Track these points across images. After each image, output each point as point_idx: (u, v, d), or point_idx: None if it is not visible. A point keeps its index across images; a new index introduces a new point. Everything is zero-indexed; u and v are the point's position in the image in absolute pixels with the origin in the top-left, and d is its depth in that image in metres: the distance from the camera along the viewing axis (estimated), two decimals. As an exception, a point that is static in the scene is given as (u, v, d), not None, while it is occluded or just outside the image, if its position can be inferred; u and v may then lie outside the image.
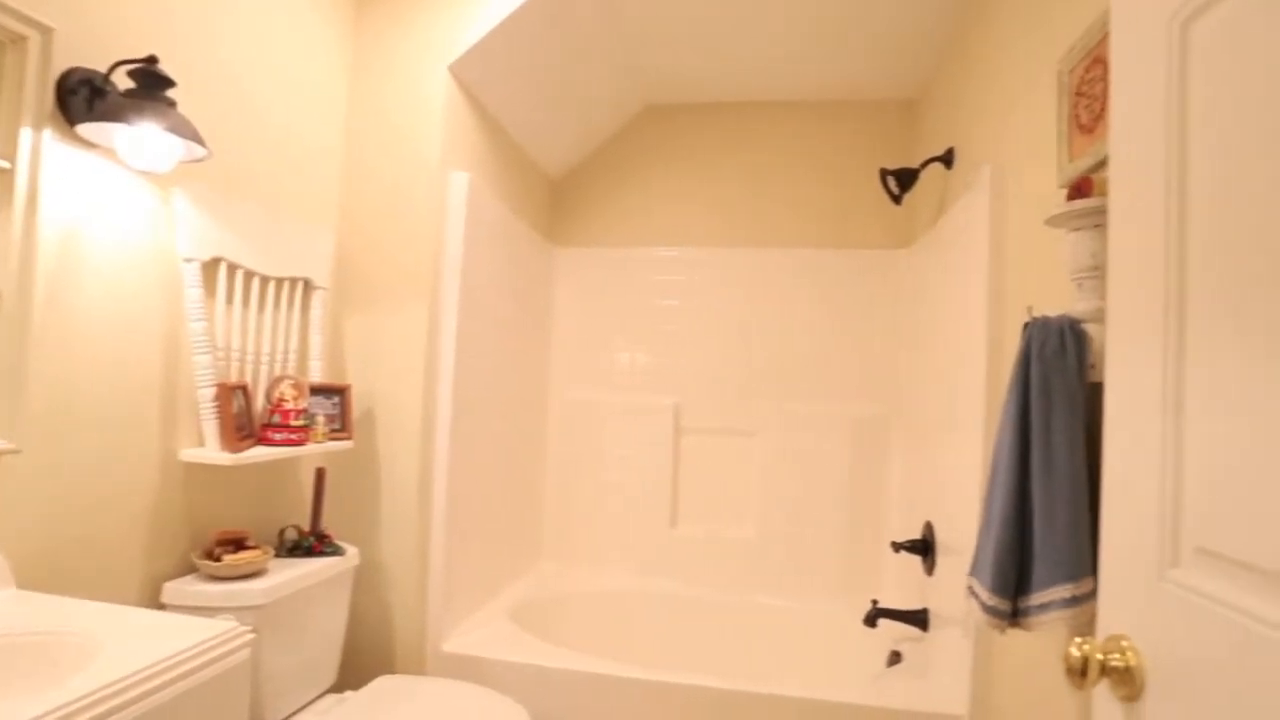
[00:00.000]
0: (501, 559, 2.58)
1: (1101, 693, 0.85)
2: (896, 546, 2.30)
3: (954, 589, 1.89)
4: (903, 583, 2.52)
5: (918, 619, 2.20)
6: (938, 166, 2.39)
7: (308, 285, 1.93)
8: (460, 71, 2.14)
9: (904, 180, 2.42)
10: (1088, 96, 1.31)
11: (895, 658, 2.24)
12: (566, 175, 3.10)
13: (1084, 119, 1.33)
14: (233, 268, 1.64)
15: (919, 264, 2.61)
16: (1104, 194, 1.13)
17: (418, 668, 2.04)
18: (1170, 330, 0.76)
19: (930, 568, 2.22)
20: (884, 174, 2.42)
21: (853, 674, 2.31)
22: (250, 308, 1.70)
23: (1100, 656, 0.81)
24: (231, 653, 1.06)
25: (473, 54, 2.10)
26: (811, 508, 2.79)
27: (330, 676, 1.79)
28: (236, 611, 1.44)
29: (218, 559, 1.51)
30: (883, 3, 2.24)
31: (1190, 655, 0.71)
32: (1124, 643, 0.81)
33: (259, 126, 1.77)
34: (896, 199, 2.45)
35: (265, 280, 1.75)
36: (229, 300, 1.63)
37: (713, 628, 2.72)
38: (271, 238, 1.75)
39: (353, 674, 1.99)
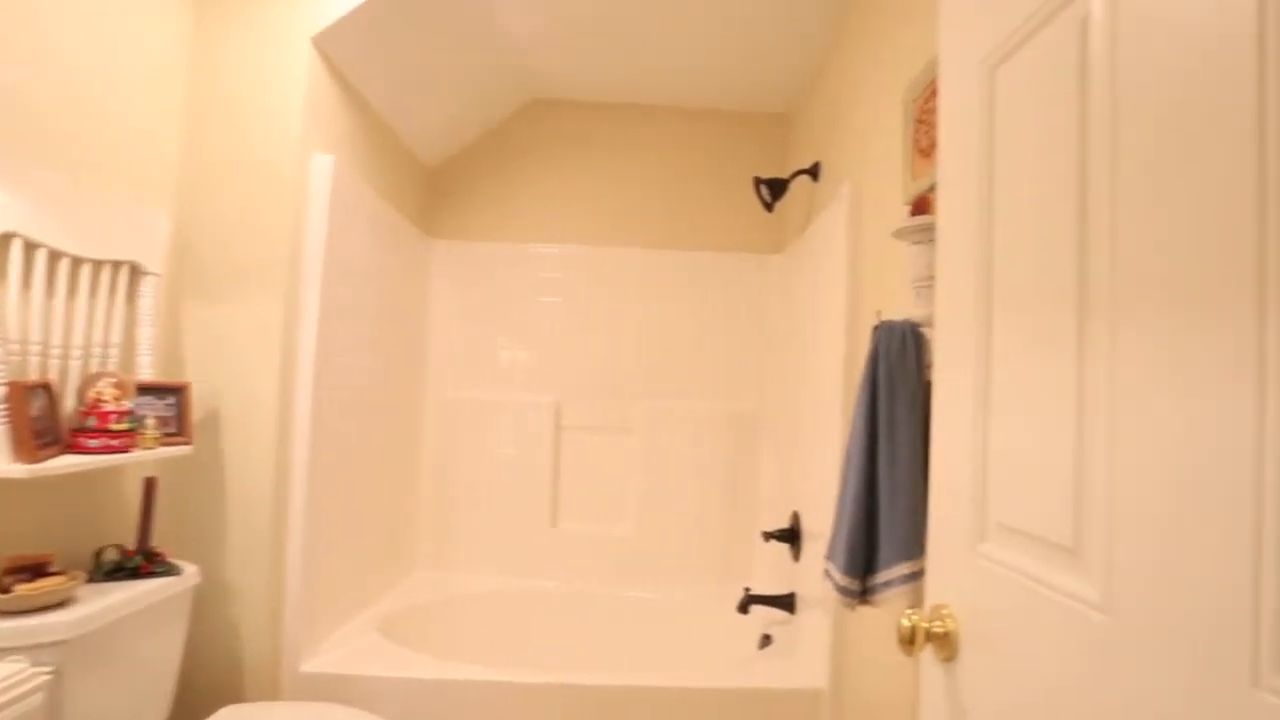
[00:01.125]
0: (371, 568, 2.50)
1: (926, 657, 0.95)
2: (767, 536, 2.43)
3: (818, 573, 2.03)
4: (774, 570, 2.66)
5: (785, 603, 2.34)
6: (806, 178, 2.54)
7: (135, 270, 1.71)
8: (325, 45, 2.01)
9: (775, 189, 2.56)
10: (927, 124, 1.45)
11: (766, 640, 2.36)
12: (445, 164, 3.03)
13: (923, 144, 1.47)
14: (31, 246, 1.42)
15: (788, 269, 2.77)
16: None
17: (271, 693, 1.91)
18: (980, 334, 0.87)
19: (797, 554, 2.36)
20: (757, 182, 2.55)
21: (727, 659, 2.42)
22: (57, 294, 1.49)
23: (925, 625, 0.91)
24: (18, 699, 0.95)
25: (340, 27, 1.97)
26: (688, 502, 2.89)
27: (162, 712, 1.61)
28: (32, 650, 1.27)
29: (7, 590, 1.32)
30: (758, 21, 2.36)
31: (993, 617, 0.82)
32: (944, 610, 0.91)
33: (73, 92, 1.57)
34: (768, 206, 2.58)
35: (78, 263, 1.54)
36: (25, 284, 1.41)
37: (593, 624, 2.76)
38: (86, 215, 1.55)
39: (193, 708, 1.81)
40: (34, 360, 1.44)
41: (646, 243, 3.00)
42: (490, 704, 1.92)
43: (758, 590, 2.52)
